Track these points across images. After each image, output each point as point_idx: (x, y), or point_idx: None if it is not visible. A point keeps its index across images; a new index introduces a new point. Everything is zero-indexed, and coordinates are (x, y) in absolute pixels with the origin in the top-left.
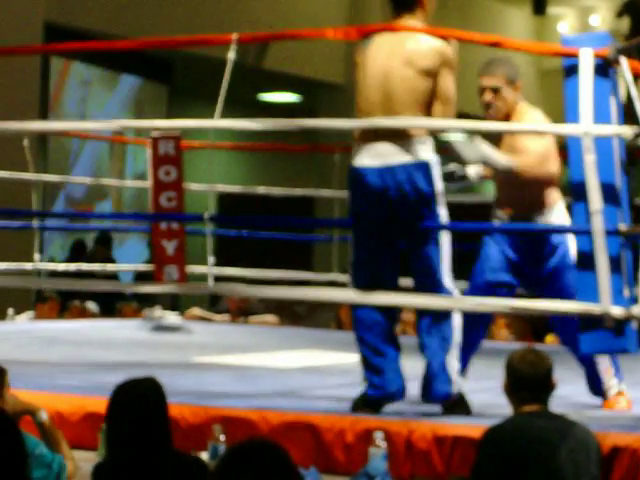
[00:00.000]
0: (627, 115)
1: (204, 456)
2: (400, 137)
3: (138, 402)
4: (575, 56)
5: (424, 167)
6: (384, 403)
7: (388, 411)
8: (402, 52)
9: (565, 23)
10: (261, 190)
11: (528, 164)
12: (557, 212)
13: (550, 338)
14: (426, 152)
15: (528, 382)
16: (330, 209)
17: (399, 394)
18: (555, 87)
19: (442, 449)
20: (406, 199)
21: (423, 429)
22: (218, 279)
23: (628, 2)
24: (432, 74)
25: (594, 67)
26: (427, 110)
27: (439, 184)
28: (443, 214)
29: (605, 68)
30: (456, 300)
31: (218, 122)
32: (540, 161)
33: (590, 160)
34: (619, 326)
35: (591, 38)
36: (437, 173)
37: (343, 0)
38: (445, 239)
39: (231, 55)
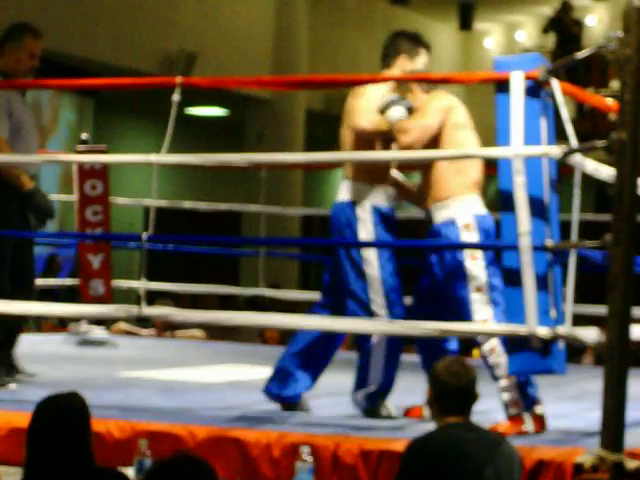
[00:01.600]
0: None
1: (130, 472)
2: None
3: (60, 417)
4: (506, 80)
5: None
6: None
7: (315, 425)
8: None
9: (491, 39)
10: (187, 204)
11: (407, 142)
12: (455, 206)
13: (477, 352)
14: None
15: (453, 392)
16: (257, 224)
17: None
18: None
19: (368, 463)
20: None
21: (349, 443)
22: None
23: (554, 18)
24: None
25: (525, 89)
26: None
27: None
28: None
29: (536, 89)
30: (383, 324)
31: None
32: (423, 140)
33: (519, 182)
34: (546, 346)
35: (522, 60)
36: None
37: (269, 8)
38: (371, 263)
39: (175, 97)
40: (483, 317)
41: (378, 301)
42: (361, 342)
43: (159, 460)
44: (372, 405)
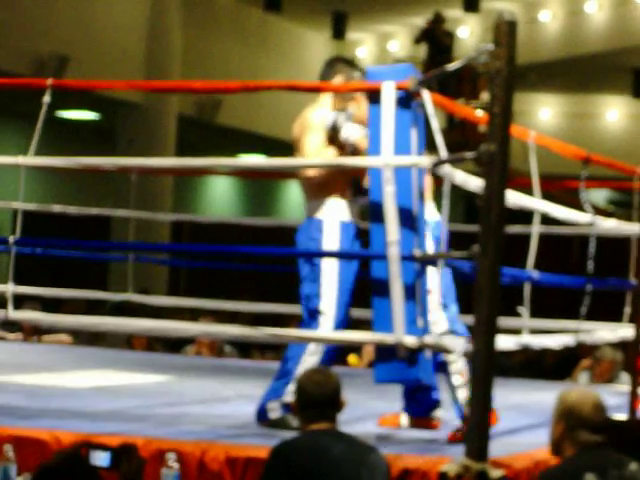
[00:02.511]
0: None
1: None
2: None
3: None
4: (378, 90)
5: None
6: None
7: (181, 432)
8: None
9: (364, 48)
10: (57, 208)
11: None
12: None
13: (352, 359)
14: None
15: (315, 400)
16: (126, 229)
17: None
18: None
19: (234, 470)
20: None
21: (216, 450)
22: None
23: (426, 29)
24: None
25: (396, 99)
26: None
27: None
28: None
29: (407, 100)
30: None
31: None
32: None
33: (389, 191)
34: (412, 356)
35: (394, 70)
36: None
37: (143, 13)
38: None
39: (46, 99)
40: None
41: (329, 313)
42: (290, 349)
43: (45, 463)
44: (286, 414)
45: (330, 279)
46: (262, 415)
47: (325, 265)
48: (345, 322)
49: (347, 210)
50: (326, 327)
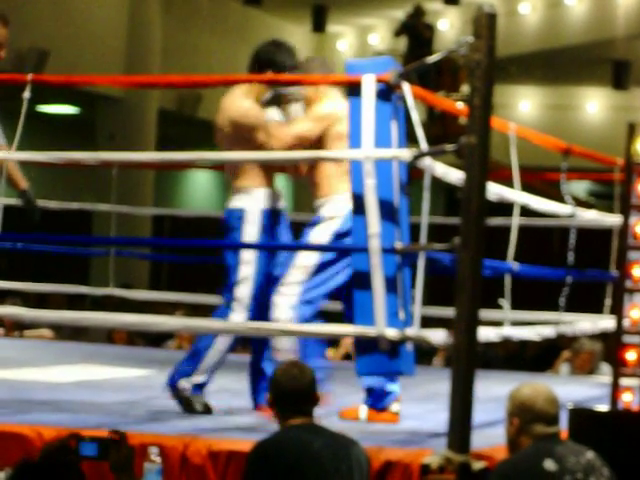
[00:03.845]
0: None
1: None
2: None
3: None
4: (358, 83)
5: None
6: None
7: (164, 426)
8: None
9: (344, 41)
10: (37, 203)
11: (275, 148)
12: (330, 206)
13: (330, 353)
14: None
15: (290, 394)
16: (107, 223)
17: None
18: None
19: (217, 464)
20: None
21: (198, 444)
22: None
23: (406, 22)
24: None
25: (376, 92)
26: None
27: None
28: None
29: (387, 93)
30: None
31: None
32: (293, 143)
33: (370, 184)
34: (394, 348)
35: (374, 63)
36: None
37: (123, 7)
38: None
39: (26, 94)
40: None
41: (243, 301)
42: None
43: (23, 461)
44: (196, 395)
45: (246, 268)
46: (173, 390)
47: (244, 254)
48: (259, 309)
49: (268, 198)
50: (239, 313)
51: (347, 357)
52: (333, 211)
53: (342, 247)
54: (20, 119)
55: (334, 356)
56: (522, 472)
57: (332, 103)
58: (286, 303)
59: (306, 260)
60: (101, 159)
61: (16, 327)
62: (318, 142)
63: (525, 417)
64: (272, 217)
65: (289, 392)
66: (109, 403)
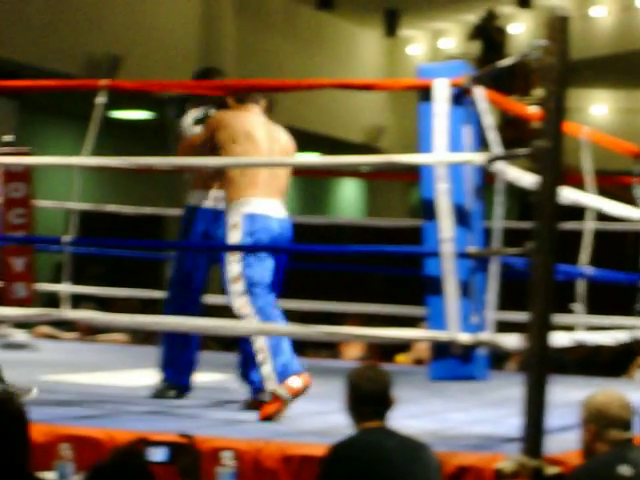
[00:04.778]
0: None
1: (51, 476)
2: None
3: (2, 423)
4: (430, 87)
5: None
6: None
7: (237, 430)
8: None
9: (416, 45)
10: (111, 208)
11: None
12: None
13: (401, 358)
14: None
15: (368, 397)
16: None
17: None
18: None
19: (290, 469)
20: None
21: (271, 448)
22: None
23: (479, 26)
24: None
25: (449, 96)
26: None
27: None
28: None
29: (460, 97)
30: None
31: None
32: (194, 150)
33: (442, 188)
34: (467, 353)
35: (446, 67)
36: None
37: (196, 12)
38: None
39: (100, 100)
40: (236, 305)
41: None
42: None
43: (98, 463)
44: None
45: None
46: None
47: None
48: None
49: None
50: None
51: (419, 362)
52: (235, 218)
53: (415, 251)
54: (94, 125)
55: (405, 360)
56: (597, 478)
57: (225, 113)
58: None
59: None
60: (174, 164)
61: (90, 331)
62: (215, 147)
63: (600, 423)
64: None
65: (367, 395)
66: (182, 407)
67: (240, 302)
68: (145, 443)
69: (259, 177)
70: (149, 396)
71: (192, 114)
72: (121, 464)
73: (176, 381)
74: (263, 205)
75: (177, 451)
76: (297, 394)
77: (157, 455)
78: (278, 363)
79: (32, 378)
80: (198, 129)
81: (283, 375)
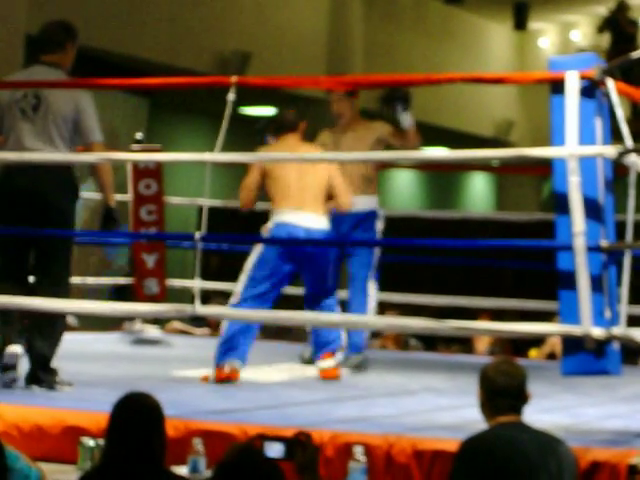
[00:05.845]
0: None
1: (184, 470)
2: None
3: (141, 419)
4: (561, 79)
5: None
6: None
7: (368, 425)
8: None
9: (546, 38)
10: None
11: None
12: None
13: (534, 353)
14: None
15: (503, 391)
16: None
17: None
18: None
19: (422, 463)
20: None
21: (403, 443)
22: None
23: (609, 18)
24: None
25: (580, 89)
26: None
27: None
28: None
29: (591, 89)
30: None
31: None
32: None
33: (574, 182)
34: (600, 347)
35: (577, 60)
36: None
37: (324, 8)
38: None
39: (230, 97)
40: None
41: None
42: None
43: (226, 459)
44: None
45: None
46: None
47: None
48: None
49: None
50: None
51: (551, 356)
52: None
53: (548, 245)
54: (224, 121)
55: (538, 355)
56: None
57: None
58: None
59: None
60: (304, 159)
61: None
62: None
63: None
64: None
65: (501, 388)
66: (314, 402)
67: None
68: (262, 439)
69: (290, 191)
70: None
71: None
72: (248, 459)
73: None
74: (291, 215)
75: (294, 447)
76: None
77: (274, 451)
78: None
79: (164, 373)
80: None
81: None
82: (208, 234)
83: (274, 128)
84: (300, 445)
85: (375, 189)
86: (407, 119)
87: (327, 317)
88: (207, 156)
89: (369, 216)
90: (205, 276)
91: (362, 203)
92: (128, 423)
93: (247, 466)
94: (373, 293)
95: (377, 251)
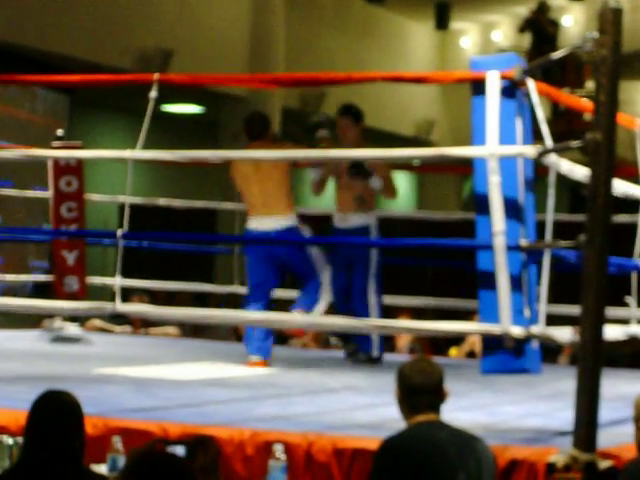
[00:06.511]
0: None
1: (103, 468)
2: None
3: (60, 416)
4: (482, 79)
5: None
6: None
7: (288, 423)
8: None
9: (467, 38)
10: (162, 202)
11: None
12: None
13: (453, 351)
14: None
15: (420, 389)
16: (232, 222)
17: None
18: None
19: (341, 462)
20: None
21: (323, 442)
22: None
23: (530, 18)
24: None
25: (501, 89)
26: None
27: None
28: None
29: (512, 89)
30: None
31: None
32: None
33: (494, 181)
34: (520, 346)
35: (498, 60)
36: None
37: (246, 6)
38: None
39: (152, 94)
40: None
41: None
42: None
43: (134, 456)
44: None
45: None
46: None
47: None
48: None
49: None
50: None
51: (471, 355)
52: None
53: (468, 244)
54: (146, 118)
55: (458, 354)
56: None
57: None
58: None
59: None
60: (224, 157)
61: (142, 324)
62: None
63: None
64: None
65: (419, 387)
66: (233, 400)
67: None
68: (163, 442)
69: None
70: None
71: None
72: (158, 457)
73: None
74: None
75: (195, 450)
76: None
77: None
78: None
79: (84, 371)
80: None
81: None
82: (130, 232)
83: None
84: (201, 448)
85: (368, 207)
86: (376, 182)
87: (248, 315)
88: (128, 153)
89: (361, 231)
90: (126, 274)
91: (354, 220)
92: (47, 421)
93: (156, 463)
94: (374, 302)
95: (374, 260)
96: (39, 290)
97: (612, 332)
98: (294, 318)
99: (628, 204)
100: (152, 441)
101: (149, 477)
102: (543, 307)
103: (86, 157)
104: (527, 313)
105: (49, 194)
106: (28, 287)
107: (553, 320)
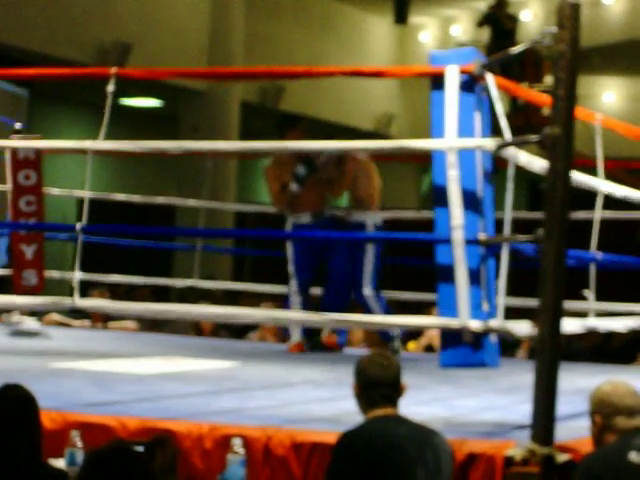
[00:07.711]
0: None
1: (61, 463)
2: None
3: (15, 410)
4: (441, 74)
5: None
6: None
7: (246, 417)
8: None
9: (426, 33)
10: (121, 197)
11: None
12: None
13: (412, 345)
14: None
15: (377, 383)
16: (192, 217)
17: None
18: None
19: (300, 455)
20: None
21: (281, 435)
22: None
23: (489, 13)
24: None
25: (460, 83)
26: None
27: None
28: None
29: (471, 84)
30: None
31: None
32: None
33: (453, 175)
34: (478, 340)
35: (457, 54)
36: None
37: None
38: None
39: (110, 88)
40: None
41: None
42: None
43: (93, 451)
44: None
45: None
46: None
47: None
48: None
49: None
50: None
51: (429, 349)
52: None
53: (426, 238)
54: (106, 112)
55: (416, 348)
56: (607, 465)
57: None
58: None
59: None
60: (184, 148)
61: (101, 319)
62: None
63: (605, 412)
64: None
65: (376, 380)
66: (192, 394)
67: None
68: (121, 443)
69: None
70: None
71: None
72: (118, 452)
73: None
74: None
75: (153, 449)
76: None
77: None
78: None
79: (42, 365)
80: None
81: None
82: (89, 226)
83: None
84: (159, 447)
85: (367, 207)
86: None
87: (210, 310)
88: (88, 144)
89: (358, 227)
90: (85, 268)
91: (353, 217)
92: (2, 415)
93: (116, 457)
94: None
95: (370, 255)
96: None
97: (570, 325)
98: (244, 312)
99: (586, 198)
100: (109, 443)
101: (108, 472)
102: (501, 301)
103: (47, 148)
104: (486, 307)
105: (7, 188)
106: None
107: (511, 314)
